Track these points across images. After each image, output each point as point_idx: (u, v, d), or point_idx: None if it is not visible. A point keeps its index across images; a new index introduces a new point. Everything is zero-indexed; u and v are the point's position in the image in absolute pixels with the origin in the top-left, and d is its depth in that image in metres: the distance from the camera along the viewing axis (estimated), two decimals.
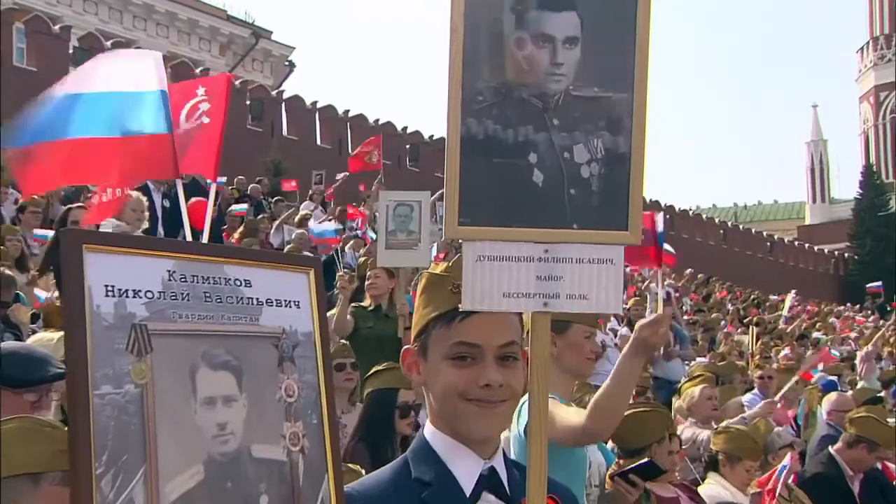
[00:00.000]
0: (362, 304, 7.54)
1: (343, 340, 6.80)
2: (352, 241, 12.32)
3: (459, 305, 1.73)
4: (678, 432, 6.08)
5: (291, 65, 37.45)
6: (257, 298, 1.51)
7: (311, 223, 10.06)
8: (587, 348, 3.51)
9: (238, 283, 1.49)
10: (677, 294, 16.35)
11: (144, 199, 6.10)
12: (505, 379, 1.73)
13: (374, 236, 13.20)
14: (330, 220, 14.99)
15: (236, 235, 11.18)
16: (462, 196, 1.93)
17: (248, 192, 15.11)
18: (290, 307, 1.56)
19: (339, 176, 16.98)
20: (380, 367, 4.58)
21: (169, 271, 1.41)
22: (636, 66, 1.97)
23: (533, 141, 1.94)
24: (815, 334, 20.19)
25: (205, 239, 5.12)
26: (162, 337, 1.35)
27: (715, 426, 6.14)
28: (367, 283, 7.90)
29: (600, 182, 1.96)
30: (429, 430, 1.75)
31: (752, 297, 29.17)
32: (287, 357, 1.52)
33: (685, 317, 15.78)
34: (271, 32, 37.00)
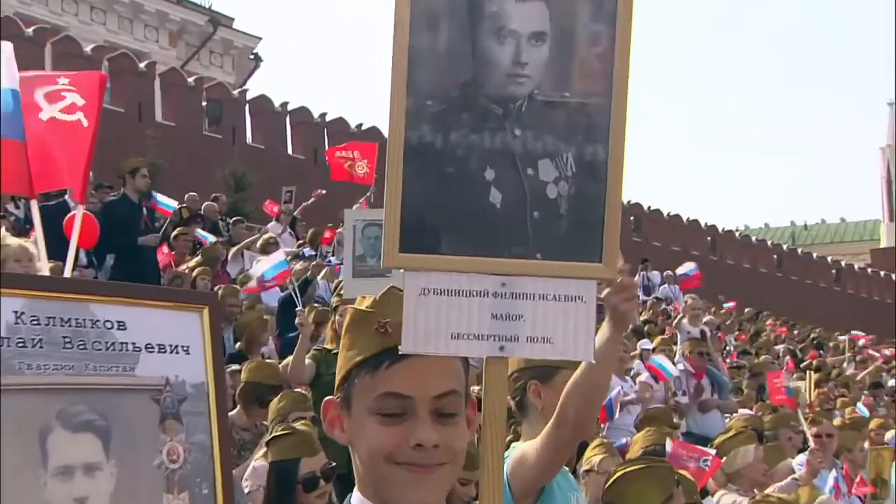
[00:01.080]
0: (326, 346, 7.50)
1: (301, 390, 6.75)
2: (325, 270, 12.12)
3: (388, 348, 1.70)
4: (714, 500, 5.87)
5: (257, 59, 36.98)
6: (134, 343, 1.46)
7: (256, 266, 9.49)
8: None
9: (109, 325, 1.43)
10: (718, 332, 16.10)
11: (31, 245, 5.43)
12: (442, 438, 1.67)
13: (335, 260, 13.03)
14: (301, 246, 14.80)
15: (191, 264, 10.98)
16: (405, 217, 1.85)
17: (202, 212, 14.91)
18: (177, 353, 1.52)
19: (315, 193, 16.67)
20: (278, 433, 4.53)
21: (16, 312, 1.35)
22: (616, 65, 1.88)
23: (490, 154, 1.87)
24: (892, 382, 19.61)
25: (67, 270, 4.59)
26: (5, 393, 1.28)
27: (756, 494, 6.01)
28: (336, 319, 7.88)
29: (570, 204, 1.88)
30: (356, 499, 1.71)
31: (812, 335, 28.33)
32: (171, 414, 1.48)
33: (729, 359, 15.48)
34: (233, 20, 36.38)
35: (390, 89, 1.87)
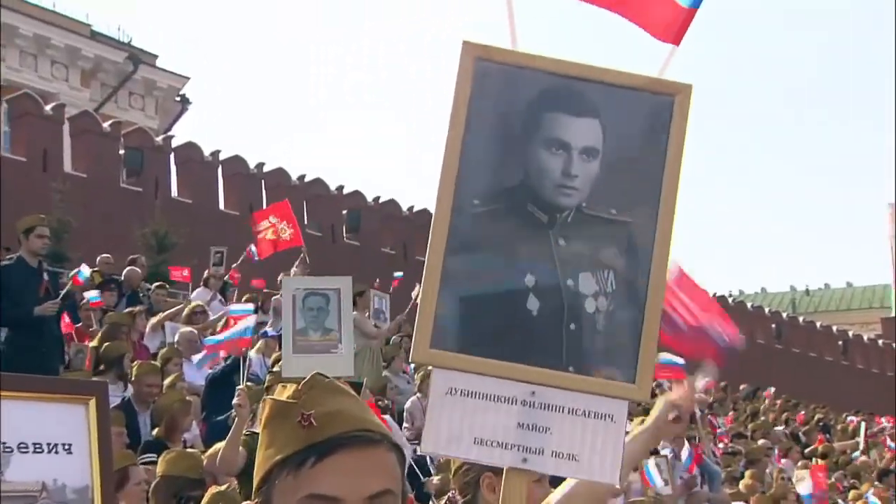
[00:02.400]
0: (258, 430, 7.51)
1: (227, 485, 6.78)
2: (260, 343, 12.00)
3: (313, 444, 1.64)
4: None
5: (184, 101, 36.51)
6: (4, 443, 1.42)
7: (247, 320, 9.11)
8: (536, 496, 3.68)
9: None
10: (709, 413, 16.01)
11: None
12: None
13: (272, 332, 12.93)
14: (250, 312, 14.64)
15: (94, 342, 10.63)
16: (439, 314, 2.01)
17: (119, 277, 14.61)
18: (57, 452, 1.47)
19: (253, 257, 16.40)
20: None
21: None
22: (664, 190, 2.10)
23: (532, 260, 2.06)
24: None
25: None
26: None
27: None
28: None
29: (607, 321, 2.05)
30: None
31: (817, 417, 27.89)
32: None
33: (720, 444, 15.31)
34: (156, 56, 36.13)
35: (439, 182, 2.06)
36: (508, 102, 2.13)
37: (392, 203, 30.67)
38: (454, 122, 2.10)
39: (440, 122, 2.17)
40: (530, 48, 2.18)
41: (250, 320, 9.26)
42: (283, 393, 1.81)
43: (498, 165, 2.11)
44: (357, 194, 29.91)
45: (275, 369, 8.61)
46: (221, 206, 27.66)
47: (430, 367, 2.09)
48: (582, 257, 2.10)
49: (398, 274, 16.32)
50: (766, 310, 45.50)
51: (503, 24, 2.25)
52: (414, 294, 12.76)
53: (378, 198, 30.37)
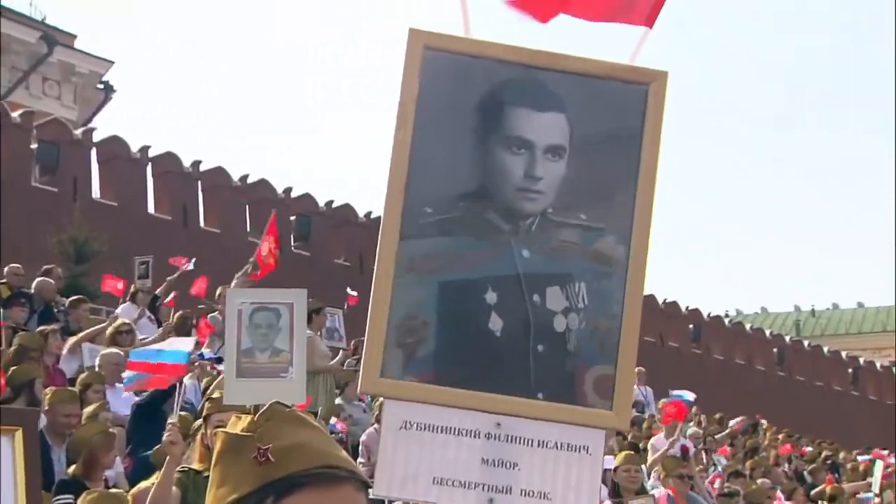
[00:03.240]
0: (193, 466, 7.45)
1: None
2: (197, 366, 11.90)
3: (272, 482, 1.62)
4: None
5: (108, 89, 36.01)
6: None
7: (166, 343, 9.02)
8: None
9: None
10: (702, 448, 16.08)
11: None
12: None
13: (209, 354, 12.78)
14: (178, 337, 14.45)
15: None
16: (390, 337, 2.04)
17: (30, 290, 14.42)
18: None
19: (183, 265, 16.02)
20: None
21: None
22: (640, 190, 2.13)
23: (493, 275, 2.08)
24: None
25: None
26: None
27: None
28: (208, 431, 7.79)
29: (580, 340, 2.09)
30: None
31: (824, 453, 28.04)
32: None
33: (715, 484, 15.52)
34: (75, 37, 35.48)
35: (386, 191, 2.08)
36: (462, 97, 2.17)
37: (347, 208, 30.36)
38: (401, 120, 2.14)
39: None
40: (486, 35, 2.20)
41: (185, 343, 9.18)
42: (238, 425, 1.80)
43: (452, 168, 2.15)
44: (307, 198, 29.51)
45: (215, 395, 8.50)
46: (151, 209, 27.30)
47: (381, 399, 2.09)
48: (549, 270, 2.14)
49: (353, 292, 16.28)
50: (767, 332, 45.06)
51: (501, 25, 2.26)
52: None
53: (331, 202, 29.99)
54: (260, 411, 1.74)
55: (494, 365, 2.08)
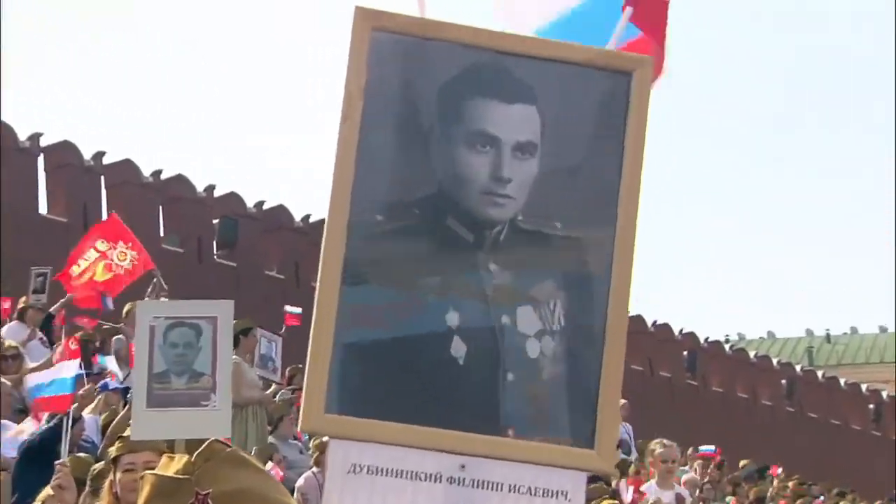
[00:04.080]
0: None
1: None
2: (98, 399, 11.65)
3: None
4: None
5: None
6: None
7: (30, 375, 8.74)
8: None
9: None
10: (700, 497, 16.22)
11: None
12: None
13: (113, 384, 12.65)
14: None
15: None
16: (336, 367, 2.05)
17: None
18: None
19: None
20: None
21: None
22: (623, 194, 2.17)
23: (455, 293, 2.11)
24: None
25: None
26: None
27: None
28: (118, 477, 7.72)
29: (556, 367, 2.12)
30: None
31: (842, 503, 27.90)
32: None
33: None
34: None
35: (330, 196, 2.11)
36: (418, 86, 2.20)
37: (280, 210, 30.24)
38: (348, 113, 2.16)
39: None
40: (445, 15, 2.23)
41: (68, 368, 9.05)
42: (170, 466, 1.82)
43: (406, 169, 2.18)
44: (232, 197, 29.23)
45: (126, 434, 8.39)
46: (43, 209, 26.99)
47: (326, 438, 2.12)
48: (520, 286, 2.17)
49: (293, 310, 16.20)
50: (775, 361, 45.06)
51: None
52: None
53: (261, 203, 29.78)
54: (197, 451, 1.79)
55: (457, 398, 2.10)
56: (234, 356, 8.94)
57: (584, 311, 2.18)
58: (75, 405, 8.99)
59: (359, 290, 2.12)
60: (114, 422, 9.97)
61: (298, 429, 2.12)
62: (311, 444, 11.80)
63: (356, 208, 2.14)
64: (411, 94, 2.20)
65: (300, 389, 14.13)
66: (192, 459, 1.82)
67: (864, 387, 47.60)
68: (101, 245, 14.29)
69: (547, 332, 2.16)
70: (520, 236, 2.18)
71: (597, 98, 2.24)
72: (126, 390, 11.56)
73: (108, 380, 12.24)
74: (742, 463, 26.79)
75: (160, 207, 28.04)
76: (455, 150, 2.18)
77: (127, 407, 10.03)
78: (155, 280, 14.33)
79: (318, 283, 2.11)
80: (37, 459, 9.20)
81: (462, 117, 2.18)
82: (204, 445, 1.79)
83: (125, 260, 14.22)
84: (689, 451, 17.00)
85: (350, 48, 2.18)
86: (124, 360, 12.57)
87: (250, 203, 30.71)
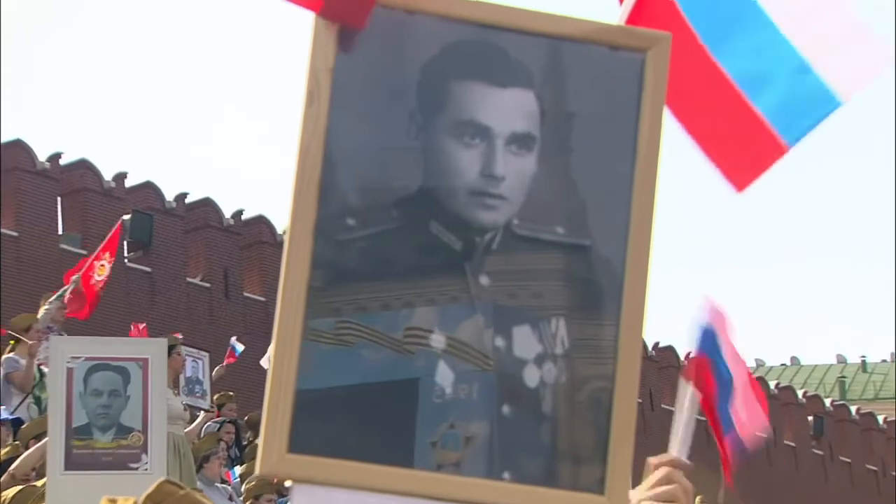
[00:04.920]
0: None
1: None
2: None
3: None
4: None
5: None
6: None
7: None
8: None
9: None
10: None
11: None
12: None
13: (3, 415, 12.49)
14: None
15: None
16: (300, 398, 2.07)
17: None
18: None
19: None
20: None
21: None
22: (636, 195, 2.20)
23: (441, 310, 2.13)
24: None
25: None
26: None
27: None
28: None
29: (558, 398, 2.14)
30: None
31: None
32: None
33: None
34: None
35: (292, 199, 2.12)
36: (395, 67, 2.21)
37: (206, 206, 30.01)
38: (314, 93, 2.15)
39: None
40: None
41: None
42: None
43: (381, 165, 2.19)
44: (147, 189, 28.91)
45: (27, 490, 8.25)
46: None
47: (288, 483, 2.11)
48: (515, 302, 2.19)
49: (239, 346, 16.11)
50: (800, 392, 44.56)
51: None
52: (266, 360, 12.54)
53: (183, 195, 29.51)
54: (146, 493, 1.81)
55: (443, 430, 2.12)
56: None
57: (591, 332, 2.20)
58: None
59: (323, 310, 2.14)
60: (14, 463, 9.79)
61: (257, 471, 2.13)
62: (243, 488, 11.74)
63: (323, 211, 2.15)
64: (388, 77, 2.21)
65: (231, 422, 14.13)
66: (140, 502, 1.83)
67: None
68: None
69: (548, 357, 2.19)
70: (516, 244, 2.20)
71: (605, 81, 2.26)
72: (17, 422, 11.34)
73: None
74: None
75: (58, 199, 27.67)
76: (439, 143, 2.20)
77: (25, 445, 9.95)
78: (65, 288, 14.04)
79: (280, 297, 2.12)
80: None
81: (447, 104, 2.20)
82: (153, 487, 1.82)
83: (104, 271, 14.15)
84: (697, 500, 17.15)
85: (314, 24, 2.18)
86: (16, 385, 12.37)
87: (170, 195, 30.50)
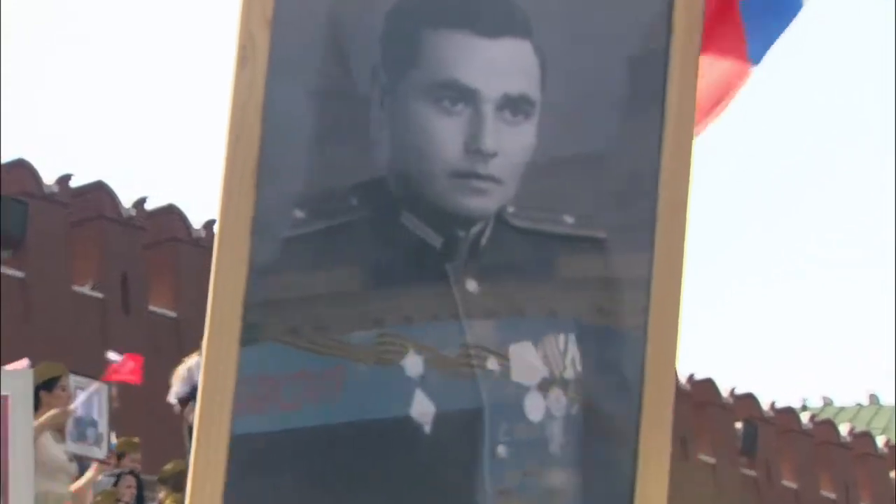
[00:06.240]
0: None
1: None
2: None
3: None
4: None
5: None
6: None
7: None
8: None
9: None
10: None
11: None
12: None
13: None
14: None
15: None
16: (240, 447, 2.11)
17: None
18: None
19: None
20: None
21: None
22: (665, 173, 2.25)
23: (416, 326, 2.17)
24: None
25: None
26: None
27: None
28: None
29: (570, 435, 2.20)
30: None
31: None
32: None
33: None
34: None
35: (221, 186, 2.15)
36: (352, 13, 2.24)
37: (98, 190, 29.81)
38: (247, 54, 2.18)
39: None
40: None
41: None
42: None
43: (337, 140, 2.22)
44: (21, 168, 28.65)
45: None
46: None
47: None
48: (511, 312, 2.23)
49: (114, 357, 16.08)
50: (880, 440, 44.76)
51: None
52: (174, 395, 12.50)
53: (67, 177, 29.30)
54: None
55: (422, 484, 2.16)
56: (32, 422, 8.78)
57: (610, 349, 2.24)
58: None
59: (268, 341, 2.17)
60: None
61: None
62: None
63: (262, 201, 2.18)
64: (342, 27, 2.24)
65: (132, 473, 14.12)
66: None
67: None
68: None
69: (556, 382, 2.23)
70: (511, 237, 2.24)
71: (625, 25, 2.29)
72: None
73: None
74: None
75: None
76: (411, 111, 2.22)
77: None
78: None
79: (206, 330, 2.15)
80: None
81: (419, 59, 2.23)
82: None
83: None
84: None
85: None
86: None
87: (50, 178, 30.23)
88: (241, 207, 2.18)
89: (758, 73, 3.52)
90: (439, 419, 2.19)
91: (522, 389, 2.22)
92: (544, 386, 2.22)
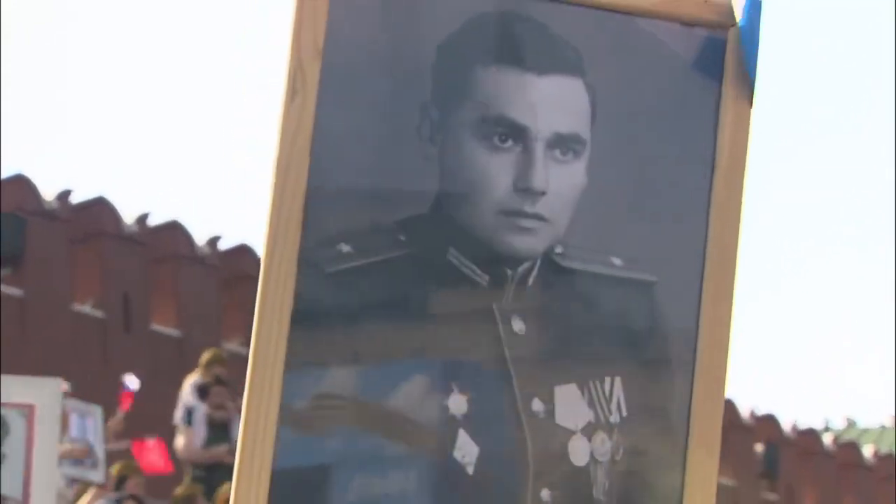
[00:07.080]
0: None
1: None
2: None
3: None
4: None
5: None
6: None
7: None
8: None
9: None
10: None
11: None
12: None
13: None
14: None
15: None
16: (280, 485, 2.14)
17: None
18: None
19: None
20: None
21: None
22: (715, 217, 2.28)
23: (459, 363, 2.20)
24: None
25: None
26: None
27: None
28: None
29: (616, 481, 2.23)
30: None
31: None
32: None
33: None
34: None
35: (268, 219, 2.18)
36: (404, 47, 2.27)
37: (99, 207, 29.75)
38: (297, 84, 2.21)
39: None
40: None
41: None
42: None
43: (385, 175, 2.25)
44: (20, 183, 28.58)
45: None
46: None
47: None
48: (559, 354, 2.26)
49: (133, 384, 15.92)
50: (865, 450, 44.69)
51: None
52: (181, 418, 12.36)
53: (67, 193, 29.23)
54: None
55: None
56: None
57: (658, 393, 2.27)
58: None
59: (309, 367, 2.20)
60: None
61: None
62: None
63: (308, 236, 2.20)
64: (394, 60, 2.26)
65: (133, 498, 14.07)
66: None
67: None
68: None
69: (601, 427, 2.25)
70: (558, 278, 2.26)
71: (676, 66, 2.32)
72: None
73: None
74: None
75: None
76: (459, 147, 2.25)
77: None
78: None
79: (249, 367, 2.17)
80: None
81: (470, 95, 2.26)
82: None
83: None
84: None
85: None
86: None
87: (49, 194, 30.16)
88: (288, 239, 2.20)
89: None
90: (483, 460, 2.20)
91: (567, 432, 2.24)
92: (589, 430, 2.24)
